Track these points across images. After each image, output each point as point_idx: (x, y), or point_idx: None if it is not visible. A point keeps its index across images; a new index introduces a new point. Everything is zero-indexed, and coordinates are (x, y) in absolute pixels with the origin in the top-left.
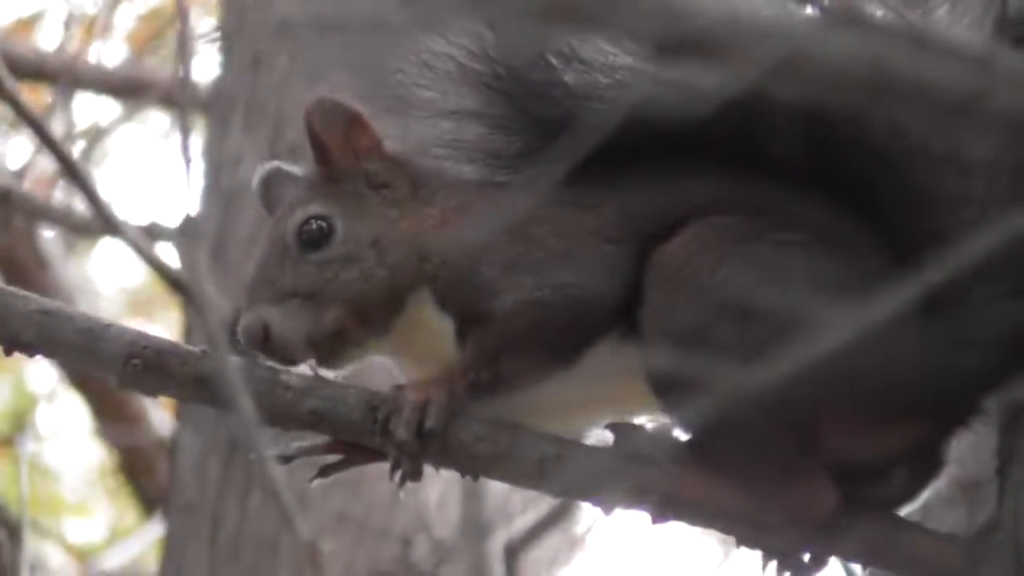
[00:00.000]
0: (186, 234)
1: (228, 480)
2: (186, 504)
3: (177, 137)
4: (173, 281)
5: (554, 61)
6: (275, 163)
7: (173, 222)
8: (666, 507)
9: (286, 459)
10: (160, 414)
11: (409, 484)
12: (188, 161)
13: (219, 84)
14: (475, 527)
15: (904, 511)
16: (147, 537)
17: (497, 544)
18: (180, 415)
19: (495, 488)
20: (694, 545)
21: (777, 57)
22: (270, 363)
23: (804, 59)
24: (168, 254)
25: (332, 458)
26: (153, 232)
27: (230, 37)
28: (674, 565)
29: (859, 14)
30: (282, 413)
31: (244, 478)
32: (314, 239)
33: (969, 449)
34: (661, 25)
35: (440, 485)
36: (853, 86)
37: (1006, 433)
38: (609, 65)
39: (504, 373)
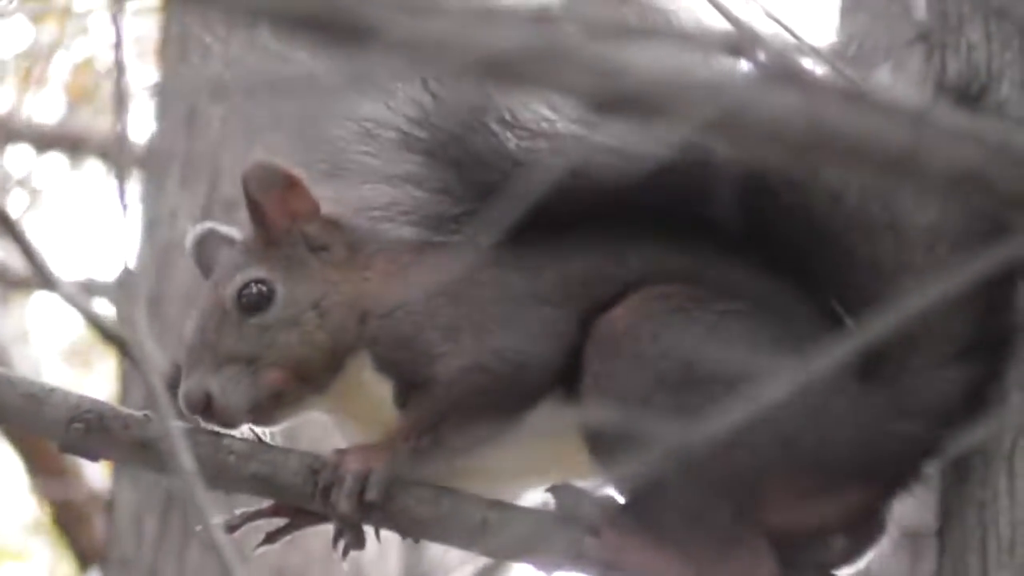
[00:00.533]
0: (123, 289)
1: (165, 535)
2: (123, 559)
3: (113, 191)
4: (110, 336)
5: (495, 128)
6: (208, 224)
7: (109, 277)
8: (607, 572)
9: (232, 527)
10: (94, 469)
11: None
12: (126, 215)
13: (154, 139)
14: None
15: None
16: None
17: None
18: (117, 470)
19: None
20: None
21: (713, 114)
22: (211, 427)
23: (740, 116)
24: (104, 309)
25: (277, 522)
26: (89, 287)
27: (165, 92)
28: None
29: (795, 71)
30: (225, 477)
31: (181, 533)
32: (254, 303)
33: (911, 501)
34: (597, 82)
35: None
36: (790, 143)
37: (945, 494)
38: (550, 132)
39: (445, 439)
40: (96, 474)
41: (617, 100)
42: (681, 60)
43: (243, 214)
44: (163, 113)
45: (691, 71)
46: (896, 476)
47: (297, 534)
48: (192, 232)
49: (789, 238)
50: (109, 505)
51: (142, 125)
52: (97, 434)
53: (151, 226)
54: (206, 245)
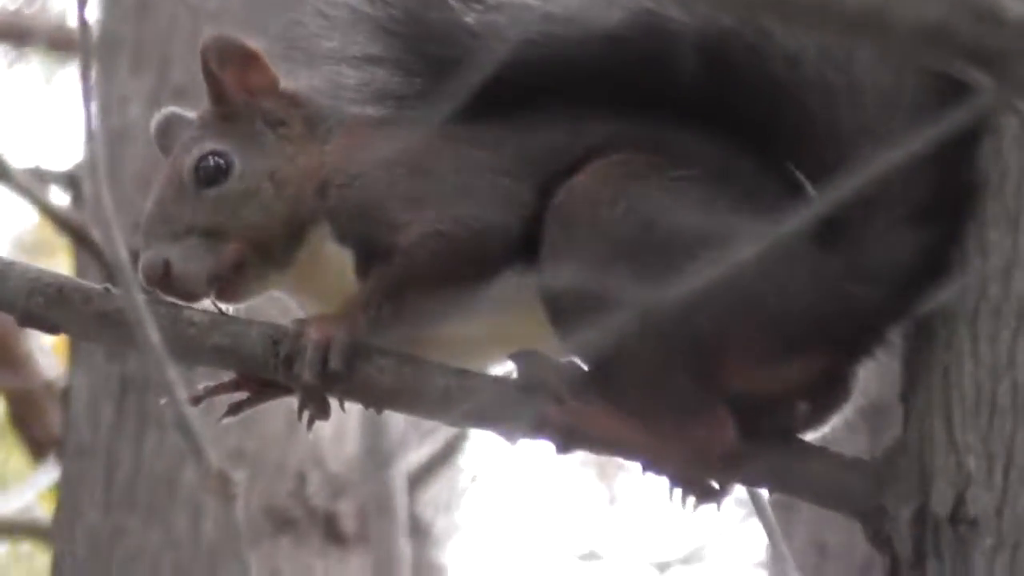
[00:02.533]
0: (84, 172)
1: (122, 421)
2: (80, 447)
3: (61, 81)
4: (63, 222)
5: (451, 2)
6: (171, 108)
7: (59, 166)
8: (569, 439)
9: (195, 400)
10: (47, 358)
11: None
12: (87, 105)
13: (104, 26)
14: (375, 460)
15: (809, 437)
16: (40, 482)
17: (398, 477)
18: (72, 358)
19: (394, 421)
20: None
21: None
22: (170, 300)
23: None
24: (57, 197)
25: (240, 395)
26: (39, 175)
27: None
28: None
29: None
30: (185, 349)
31: (137, 419)
32: (211, 175)
33: (872, 375)
34: None
35: (335, 419)
36: (801, 14)
37: (909, 359)
38: (506, 3)
39: (406, 307)
40: (50, 363)
41: None
42: None
43: (193, 97)
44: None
45: None
46: (857, 341)
47: (254, 415)
48: (155, 116)
49: (747, 105)
50: (64, 394)
51: (92, 11)
52: (57, 307)
53: (102, 113)
54: (169, 129)
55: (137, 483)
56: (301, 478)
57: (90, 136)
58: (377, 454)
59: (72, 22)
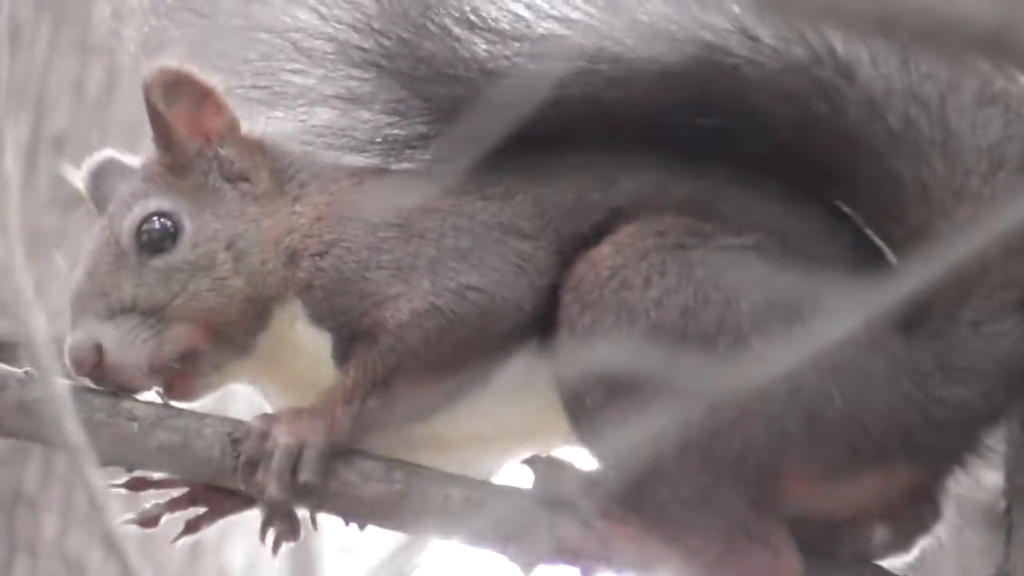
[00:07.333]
0: None
1: None
2: None
3: None
4: None
5: (456, 30)
6: (108, 152)
7: None
8: (595, 566)
9: (148, 522)
10: None
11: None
12: None
13: None
14: None
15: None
16: None
17: None
18: None
19: (324, 542)
20: None
21: None
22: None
23: None
24: None
25: (196, 511)
26: None
27: None
28: None
29: None
30: (125, 448)
31: (5, 543)
32: (157, 241)
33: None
34: None
35: (248, 540)
36: (859, 19)
37: (1012, 470)
38: (524, 33)
39: (396, 399)
40: None
41: None
42: None
43: (79, 149)
44: None
45: None
46: (948, 451)
47: (149, 534)
48: (87, 161)
49: (819, 157)
50: None
51: None
52: None
53: None
54: (104, 179)
55: None
56: None
57: None
58: None
59: None
